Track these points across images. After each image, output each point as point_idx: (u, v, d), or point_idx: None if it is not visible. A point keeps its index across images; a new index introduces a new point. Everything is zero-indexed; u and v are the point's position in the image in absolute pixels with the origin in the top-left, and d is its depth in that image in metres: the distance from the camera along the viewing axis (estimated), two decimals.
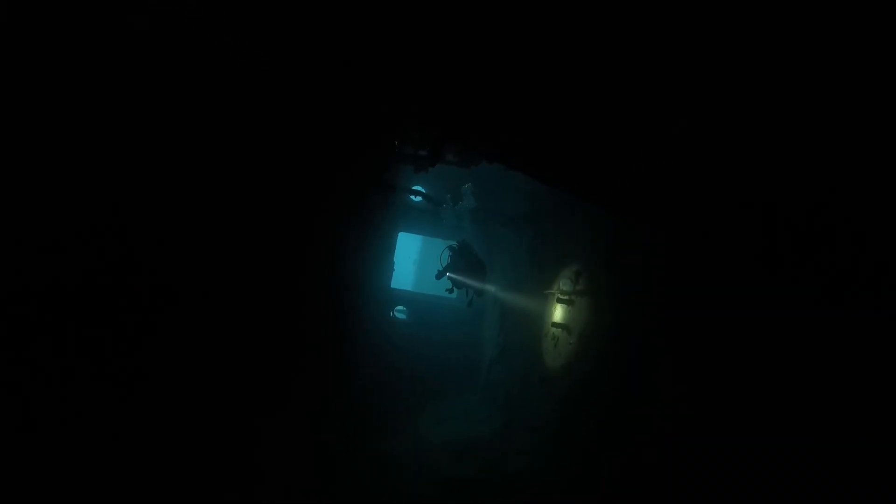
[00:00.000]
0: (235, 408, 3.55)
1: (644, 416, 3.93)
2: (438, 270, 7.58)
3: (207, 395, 3.00)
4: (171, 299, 2.47)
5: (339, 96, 3.42)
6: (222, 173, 2.69)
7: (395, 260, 10.39)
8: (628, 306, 4.59)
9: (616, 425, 4.35)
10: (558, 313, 6.13)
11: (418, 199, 9.55)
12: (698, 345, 3.37)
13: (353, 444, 6.41)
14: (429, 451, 7.07)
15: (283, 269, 3.46)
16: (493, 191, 10.02)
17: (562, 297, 5.92)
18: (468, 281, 7.41)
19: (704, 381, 3.24)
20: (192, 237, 2.58)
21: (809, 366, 2.42)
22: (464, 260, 7.48)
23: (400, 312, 11.00)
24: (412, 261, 22.75)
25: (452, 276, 7.49)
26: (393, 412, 7.92)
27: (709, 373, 3.21)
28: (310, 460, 5.24)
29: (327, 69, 3.03)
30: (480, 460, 6.91)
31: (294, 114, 3.28)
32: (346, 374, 6.77)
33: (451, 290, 7.81)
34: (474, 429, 7.84)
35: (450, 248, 7.65)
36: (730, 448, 2.78)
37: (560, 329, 5.97)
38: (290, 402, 4.83)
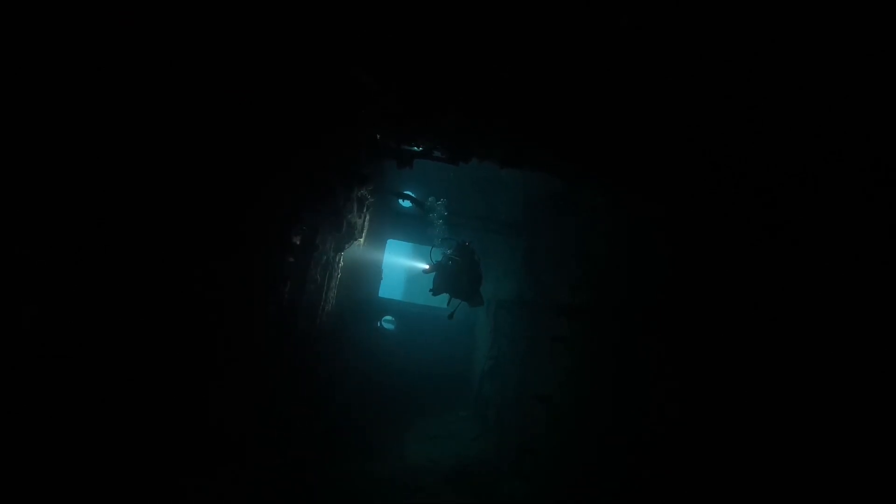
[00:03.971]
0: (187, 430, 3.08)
1: (644, 433, 3.59)
2: (429, 265, 6.91)
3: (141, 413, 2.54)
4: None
5: (304, 57, 2.76)
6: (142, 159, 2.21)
7: (382, 268, 9.96)
8: (628, 317, 4.22)
9: (616, 446, 3.98)
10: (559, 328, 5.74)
11: (407, 203, 9.15)
12: (699, 351, 3.06)
13: (333, 465, 5.96)
14: (415, 473, 6.62)
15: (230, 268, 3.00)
16: (488, 198, 9.70)
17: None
18: (456, 287, 6.76)
19: (712, 392, 2.92)
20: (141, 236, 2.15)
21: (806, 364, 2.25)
22: (464, 263, 6.78)
23: (388, 322, 10.55)
24: (402, 269, 22.36)
25: (441, 275, 6.81)
26: (378, 429, 7.47)
27: (721, 386, 2.88)
28: (285, 484, 4.78)
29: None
30: (471, 483, 6.49)
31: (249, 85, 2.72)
32: (324, 388, 6.30)
33: (450, 316, 7.12)
34: (464, 449, 7.38)
35: (458, 243, 6.92)
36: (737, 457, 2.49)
37: (559, 344, 5.57)
38: (258, 419, 4.36)
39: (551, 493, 5.14)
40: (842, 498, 2.00)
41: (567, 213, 6.21)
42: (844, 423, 2.05)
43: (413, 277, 23.25)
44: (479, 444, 7.56)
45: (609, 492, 3.90)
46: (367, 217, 7.54)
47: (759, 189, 2.43)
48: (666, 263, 3.54)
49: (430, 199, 8.70)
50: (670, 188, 2.94)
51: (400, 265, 21.33)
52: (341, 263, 6.87)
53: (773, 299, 2.43)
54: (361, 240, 7.56)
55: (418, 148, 4.56)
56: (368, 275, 9.33)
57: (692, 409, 3.06)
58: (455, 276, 6.76)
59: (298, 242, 4.25)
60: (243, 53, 2.31)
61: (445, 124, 2.91)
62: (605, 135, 2.72)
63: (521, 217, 8.28)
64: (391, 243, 10.76)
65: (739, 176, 2.47)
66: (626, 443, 3.82)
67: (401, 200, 9.33)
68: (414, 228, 9.78)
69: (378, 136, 3.96)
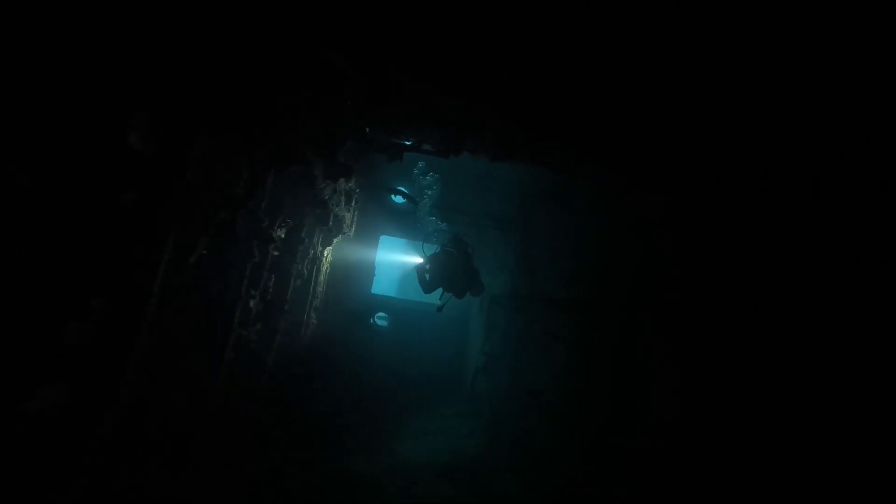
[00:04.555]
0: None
1: (643, 430, 3.57)
2: (422, 258, 6.84)
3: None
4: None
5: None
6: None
7: (375, 264, 9.88)
8: (625, 313, 4.19)
9: (614, 443, 3.96)
10: (551, 321, 5.70)
11: (400, 199, 9.05)
12: (699, 349, 3.03)
13: (328, 463, 5.92)
14: (409, 470, 6.59)
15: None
16: (482, 192, 9.62)
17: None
18: (451, 280, 6.67)
19: (712, 390, 2.90)
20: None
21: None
22: (459, 255, 6.71)
23: (381, 319, 10.49)
24: (396, 265, 22.27)
25: (433, 269, 6.73)
26: (371, 426, 7.43)
27: (719, 382, 2.86)
28: (282, 483, 4.73)
29: None
30: (465, 479, 6.48)
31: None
32: (316, 386, 6.24)
33: (440, 309, 7.03)
34: (458, 445, 7.37)
35: (452, 235, 6.85)
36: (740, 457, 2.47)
37: (554, 339, 5.53)
38: (251, 419, 4.30)
39: (547, 489, 5.13)
40: (842, 496, 1.98)
41: (563, 208, 6.17)
42: (844, 421, 2.03)
43: (407, 274, 23.18)
44: (473, 439, 7.55)
45: (607, 490, 3.88)
46: (357, 212, 7.44)
47: (759, 188, 2.39)
48: (665, 262, 3.50)
49: (420, 164, 8.41)
50: (670, 188, 2.90)
51: (393, 261, 21.23)
52: (330, 258, 6.77)
53: (773, 299, 2.40)
54: (350, 234, 7.46)
55: (408, 141, 4.45)
56: (361, 271, 9.25)
57: (692, 406, 3.03)
58: (450, 269, 6.68)
59: (283, 235, 4.15)
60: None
61: (436, 110, 2.78)
62: (606, 134, 2.66)
63: (515, 212, 8.22)
64: (384, 239, 10.66)
65: (740, 175, 2.43)
66: (624, 440, 3.79)
67: (393, 196, 9.24)
68: (407, 224, 9.71)
69: (367, 130, 3.86)
